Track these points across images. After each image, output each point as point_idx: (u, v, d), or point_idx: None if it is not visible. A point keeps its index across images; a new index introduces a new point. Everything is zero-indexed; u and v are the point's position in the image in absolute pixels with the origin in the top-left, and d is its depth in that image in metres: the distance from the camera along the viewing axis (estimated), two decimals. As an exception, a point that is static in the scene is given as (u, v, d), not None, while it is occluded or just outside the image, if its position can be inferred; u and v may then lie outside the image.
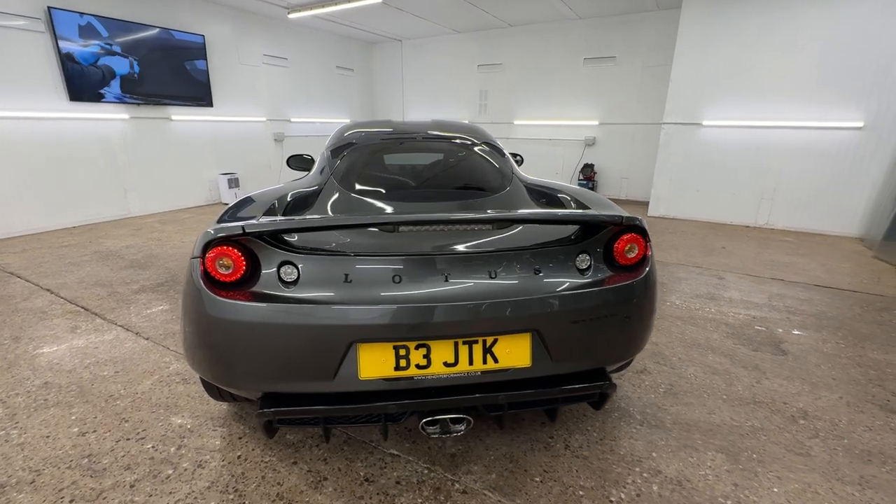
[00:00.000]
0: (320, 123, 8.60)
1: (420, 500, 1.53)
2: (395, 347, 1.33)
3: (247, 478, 1.61)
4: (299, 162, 3.50)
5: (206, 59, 6.32)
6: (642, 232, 1.51)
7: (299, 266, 1.34)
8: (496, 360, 1.38)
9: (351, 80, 9.18)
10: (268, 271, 1.36)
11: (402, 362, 1.34)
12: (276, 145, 7.84)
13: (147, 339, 2.62)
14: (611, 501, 1.53)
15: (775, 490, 1.60)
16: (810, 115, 5.15)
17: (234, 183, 6.88)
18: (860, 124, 4.94)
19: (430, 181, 2.07)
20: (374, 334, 1.30)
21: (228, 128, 6.96)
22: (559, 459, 1.72)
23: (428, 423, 1.43)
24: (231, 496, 1.53)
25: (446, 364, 1.35)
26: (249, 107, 7.24)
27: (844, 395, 2.16)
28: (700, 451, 1.78)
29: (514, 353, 1.38)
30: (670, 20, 6.44)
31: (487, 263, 1.39)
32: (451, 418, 1.43)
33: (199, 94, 6.37)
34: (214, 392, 1.76)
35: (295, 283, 1.34)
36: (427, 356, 1.34)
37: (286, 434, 1.85)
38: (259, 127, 7.49)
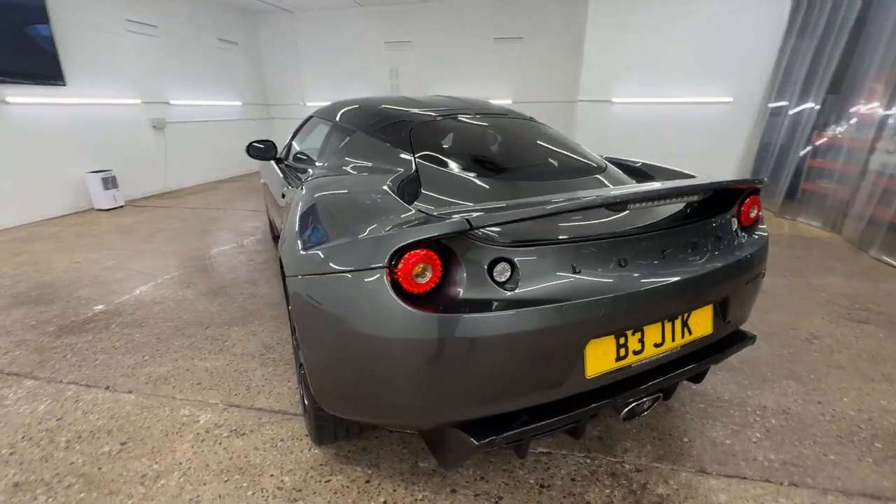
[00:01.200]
0: (207, 107, 7.31)
1: (608, 490, 1.47)
2: (615, 337, 1.23)
3: (412, 524, 1.35)
4: (262, 150, 2.97)
5: (48, 24, 4.81)
6: (758, 192, 1.63)
7: (515, 261, 1.13)
8: (690, 333, 1.37)
9: (236, 57, 7.94)
10: (473, 272, 1.10)
11: (622, 351, 1.24)
12: (157, 133, 6.44)
13: (129, 391, 1.98)
14: (753, 442, 1.68)
15: (845, 400, 1.93)
16: (696, 92, 6.12)
17: (110, 183, 5.47)
18: (729, 98, 6.05)
19: (536, 161, 1.89)
20: (605, 327, 1.18)
21: (92, 113, 5.46)
22: (686, 418, 1.81)
23: (623, 407, 1.36)
24: (413, 550, 1.27)
25: (655, 345, 1.30)
26: (116, 86, 5.77)
27: (823, 316, 2.69)
28: (775, 381, 2.05)
29: (702, 322, 1.39)
30: (573, 3, 6.95)
31: (679, 239, 1.35)
32: (648, 398, 1.38)
33: (43, 68, 4.85)
34: (332, 433, 1.43)
35: (510, 281, 1.12)
36: (641, 340, 1.27)
37: (418, 462, 1.59)
38: (132, 112, 6.04)
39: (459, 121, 2.05)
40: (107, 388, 2.01)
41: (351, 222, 1.29)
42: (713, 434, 1.72)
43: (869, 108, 4.64)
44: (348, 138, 2.09)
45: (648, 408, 1.43)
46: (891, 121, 4.14)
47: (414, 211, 1.26)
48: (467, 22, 7.59)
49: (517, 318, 1.07)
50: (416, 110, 2.14)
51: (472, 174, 1.60)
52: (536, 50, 7.48)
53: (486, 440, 1.13)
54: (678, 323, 1.33)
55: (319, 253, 1.25)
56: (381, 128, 1.99)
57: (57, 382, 2.05)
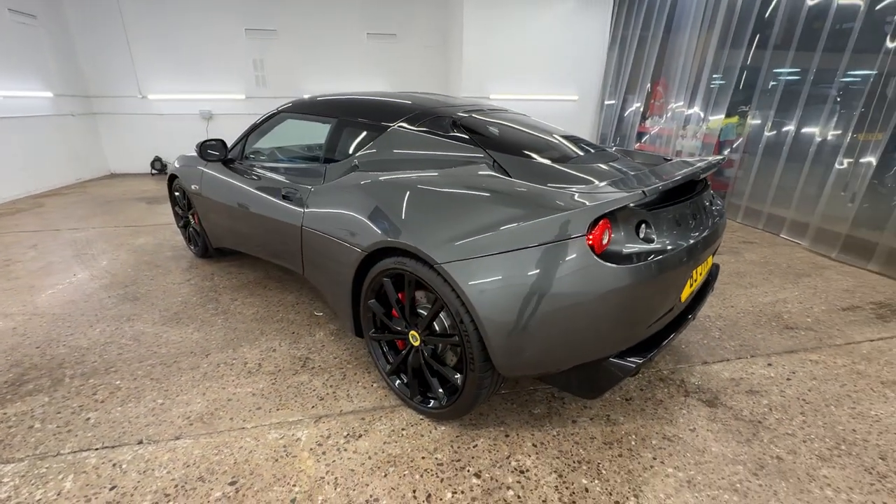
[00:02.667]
0: (2, 98, 5.55)
1: (665, 389, 1.98)
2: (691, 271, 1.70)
3: (584, 459, 1.62)
4: (217, 151, 2.72)
5: None
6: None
7: (651, 221, 1.48)
8: (706, 268, 1.95)
9: (38, 35, 6.15)
10: (628, 231, 1.42)
11: (690, 281, 1.73)
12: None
13: (177, 437, 1.68)
14: (717, 339, 2.42)
15: (742, 302, 2.88)
16: (551, 91, 7.33)
17: None
18: (576, 97, 7.45)
19: (568, 148, 2.14)
20: (693, 264, 1.63)
21: None
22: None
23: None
24: (592, 474, 1.55)
25: (698, 277, 1.83)
26: None
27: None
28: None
29: (709, 261, 1.98)
30: (444, 4, 7.48)
31: (698, 205, 1.83)
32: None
33: None
34: (484, 397, 1.58)
35: (648, 237, 1.47)
36: (697, 272, 1.78)
37: (532, 410, 1.84)
38: None
39: (482, 116, 2.26)
40: (140, 442, 1.66)
41: (518, 206, 1.46)
42: (693, 339, 2.41)
43: (659, 104, 6.40)
44: (381, 133, 2.11)
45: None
46: (689, 113, 5.81)
47: (584, 189, 1.51)
48: (338, 14, 7.44)
49: (665, 261, 1.44)
50: (432, 105, 2.27)
51: (547, 161, 1.88)
52: (411, 47, 7.80)
53: (642, 361, 1.50)
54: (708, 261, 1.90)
55: (497, 236, 1.40)
56: (421, 122, 2.09)
57: (54, 456, 1.60)
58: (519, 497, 1.43)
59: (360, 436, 1.69)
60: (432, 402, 1.74)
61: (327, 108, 2.51)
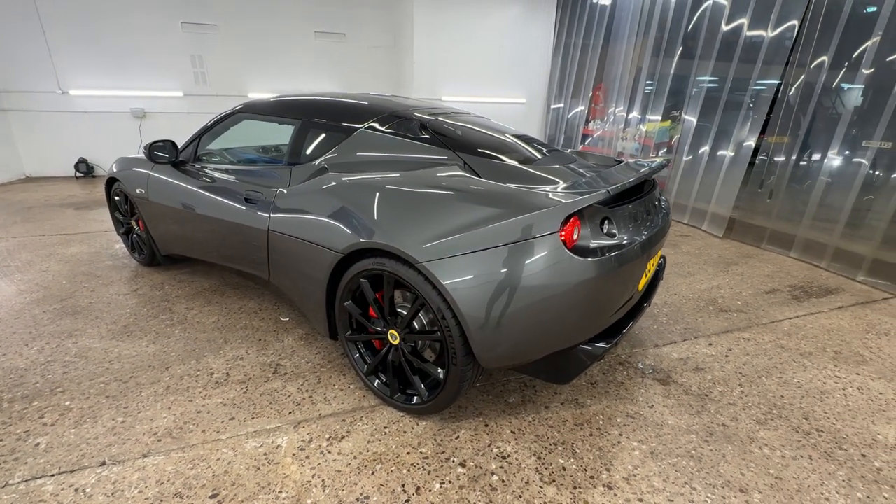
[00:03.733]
0: None
1: (625, 371, 2.16)
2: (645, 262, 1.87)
3: (565, 440, 1.73)
4: (166, 153, 2.62)
5: None
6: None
7: (612, 218, 1.61)
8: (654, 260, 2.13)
9: (-70, 19, 5.43)
10: (593, 227, 1.54)
11: (645, 272, 1.89)
12: None
13: (145, 455, 1.60)
14: (665, 323, 2.66)
15: (684, 289, 3.16)
16: (501, 94, 7.56)
17: None
18: (524, 100, 7.74)
19: (530, 151, 2.23)
20: (647, 256, 1.79)
21: None
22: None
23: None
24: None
25: (650, 269, 2.00)
26: None
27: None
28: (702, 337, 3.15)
29: (658, 254, 2.16)
30: (389, 5, 7.47)
31: (647, 204, 2.01)
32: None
33: None
34: (464, 390, 1.64)
35: (610, 232, 1.60)
36: (651, 263, 1.95)
37: (507, 399, 1.93)
38: None
39: (448, 119, 2.33)
40: (102, 463, 1.56)
41: (495, 205, 1.53)
42: (644, 325, 2.63)
43: (601, 107, 6.84)
44: (350, 136, 2.11)
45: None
46: (630, 117, 6.24)
47: (552, 190, 1.60)
48: (283, 12, 7.21)
49: (625, 254, 1.58)
50: (398, 107, 2.30)
51: (514, 162, 1.97)
52: (360, 47, 7.72)
53: (608, 346, 1.63)
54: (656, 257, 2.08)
55: (476, 234, 1.46)
56: (389, 124, 2.12)
57: (1, 488, 1.47)
58: (503, 481, 1.51)
59: (343, 437, 1.70)
60: (415, 398, 1.78)
61: (290, 109, 2.46)
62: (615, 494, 1.47)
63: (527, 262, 1.42)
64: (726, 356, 2.34)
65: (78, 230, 4.23)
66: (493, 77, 7.44)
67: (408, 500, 1.43)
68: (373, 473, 1.53)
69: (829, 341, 2.51)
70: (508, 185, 1.66)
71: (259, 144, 3.27)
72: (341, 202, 1.84)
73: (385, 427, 1.76)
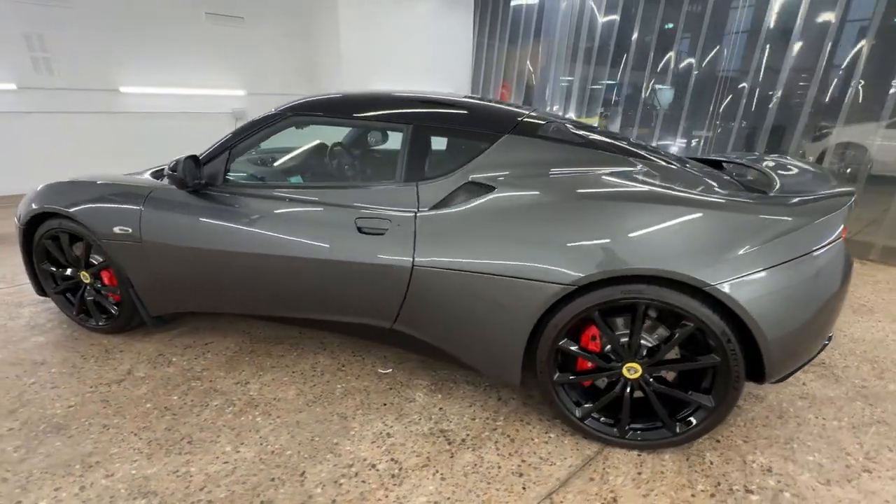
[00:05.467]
0: None
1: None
2: None
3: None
4: (191, 171, 1.93)
5: None
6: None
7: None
8: None
9: None
10: None
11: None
12: None
13: None
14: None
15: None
16: (429, 88, 7.37)
17: None
18: (451, 97, 7.69)
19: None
20: None
21: None
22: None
23: None
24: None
25: None
26: None
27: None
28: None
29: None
30: (299, -9, 6.61)
31: None
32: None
33: None
34: None
35: None
36: None
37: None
38: None
39: (570, 123, 2.13)
40: None
41: (781, 214, 1.45)
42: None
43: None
44: (492, 143, 1.77)
45: None
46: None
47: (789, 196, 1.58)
48: (161, -15, 5.78)
49: None
50: (515, 108, 2.06)
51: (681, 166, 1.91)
52: (265, 34, 6.68)
53: (828, 341, 1.71)
54: None
55: (772, 246, 1.38)
56: (537, 130, 1.84)
57: None
58: (795, 495, 1.47)
59: (615, 499, 1.44)
60: (656, 431, 1.60)
61: (389, 111, 1.97)
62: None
63: (825, 267, 1.39)
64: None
65: (-74, 297, 2.76)
66: (421, 72, 7.19)
67: (750, 550, 1.29)
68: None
69: None
70: (744, 195, 1.61)
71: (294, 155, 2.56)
72: (563, 224, 1.55)
73: (639, 473, 1.55)
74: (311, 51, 6.97)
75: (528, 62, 7.20)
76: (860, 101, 4.72)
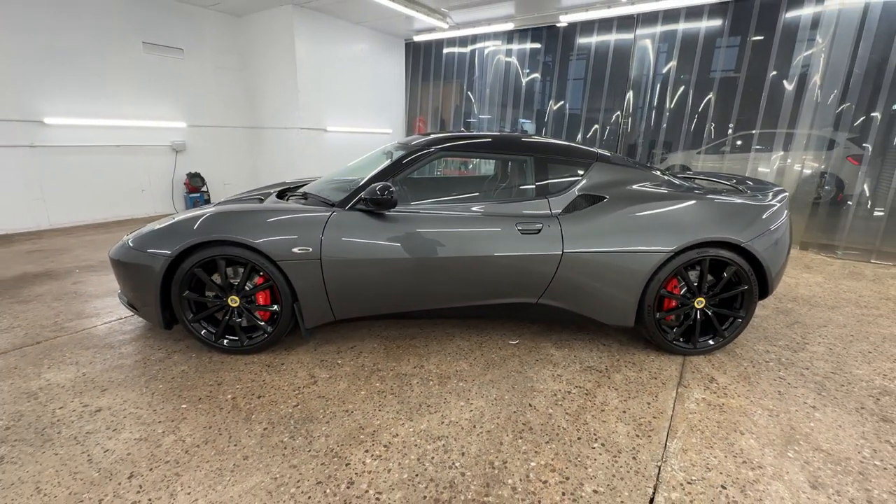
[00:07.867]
0: None
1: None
2: None
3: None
4: (390, 196, 2.51)
5: None
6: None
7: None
8: None
9: None
10: None
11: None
12: None
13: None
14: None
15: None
16: (373, 124, 7.92)
17: None
18: (390, 130, 8.33)
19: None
20: None
21: None
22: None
23: None
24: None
25: None
26: None
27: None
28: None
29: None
30: (231, 24, 6.66)
31: None
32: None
33: None
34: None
35: None
36: None
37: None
38: None
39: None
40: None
41: (755, 201, 2.55)
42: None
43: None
44: (588, 168, 2.65)
45: None
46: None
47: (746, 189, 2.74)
48: (90, 11, 5.35)
49: None
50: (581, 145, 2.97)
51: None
52: (205, 67, 6.53)
53: None
54: None
55: (769, 218, 2.50)
56: (605, 158, 2.77)
57: None
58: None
59: (713, 379, 2.37)
60: (716, 339, 2.60)
61: (517, 148, 2.75)
62: (812, 345, 2.80)
63: (785, 231, 2.56)
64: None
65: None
66: (365, 109, 7.74)
67: (786, 385, 2.33)
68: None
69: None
70: (744, 194, 2.75)
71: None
72: (666, 215, 2.46)
73: (710, 363, 2.51)
74: (247, 84, 6.99)
75: (440, 101, 8.27)
76: (690, 133, 6.83)
